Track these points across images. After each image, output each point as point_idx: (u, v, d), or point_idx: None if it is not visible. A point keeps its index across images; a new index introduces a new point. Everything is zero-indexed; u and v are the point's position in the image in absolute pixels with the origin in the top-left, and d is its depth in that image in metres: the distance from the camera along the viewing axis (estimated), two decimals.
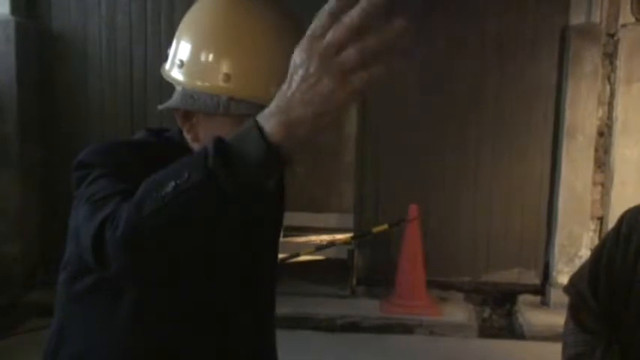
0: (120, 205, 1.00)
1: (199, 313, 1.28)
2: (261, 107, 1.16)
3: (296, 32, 1.21)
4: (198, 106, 1.23)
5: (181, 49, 1.26)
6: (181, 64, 1.25)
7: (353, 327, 5.63)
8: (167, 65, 1.29)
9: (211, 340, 1.30)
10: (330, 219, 6.96)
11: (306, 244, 6.45)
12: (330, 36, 0.86)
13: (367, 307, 5.86)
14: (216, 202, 0.91)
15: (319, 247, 6.25)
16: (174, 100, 1.27)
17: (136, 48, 6.36)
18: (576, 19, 5.95)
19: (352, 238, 6.30)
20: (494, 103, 6.18)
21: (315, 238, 7.15)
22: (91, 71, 6.47)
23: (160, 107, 1.30)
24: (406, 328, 5.60)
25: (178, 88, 1.27)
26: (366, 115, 6.32)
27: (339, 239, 6.46)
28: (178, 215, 0.93)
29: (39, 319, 5.38)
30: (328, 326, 5.57)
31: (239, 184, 0.90)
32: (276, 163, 0.90)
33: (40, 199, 6.29)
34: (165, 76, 1.30)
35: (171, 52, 1.29)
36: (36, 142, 6.29)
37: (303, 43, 0.88)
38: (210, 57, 1.21)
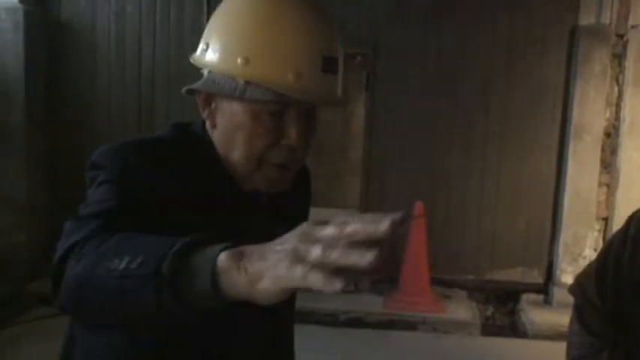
0: (90, 239, 1.01)
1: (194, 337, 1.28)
2: (276, 94, 1.16)
3: (317, 22, 1.22)
4: (217, 89, 1.23)
5: (208, 34, 1.27)
6: (206, 48, 1.26)
7: (356, 322, 5.64)
8: (198, 50, 1.30)
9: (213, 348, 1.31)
10: (335, 214, 6.95)
11: None
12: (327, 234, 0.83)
13: (371, 303, 5.87)
14: (150, 306, 0.91)
15: None
16: (197, 83, 1.27)
17: (145, 38, 6.36)
18: (586, 19, 5.94)
19: None
20: (502, 101, 6.17)
21: None
22: (99, 61, 6.48)
23: (183, 89, 1.31)
24: (409, 325, 5.61)
25: (205, 73, 1.27)
26: (373, 112, 6.32)
27: None
28: (114, 295, 0.94)
29: (43, 308, 5.41)
30: (331, 321, 5.59)
31: (180, 304, 0.90)
32: (217, 304, 0.89)
33: (47, 188, 6.31)
34: (193, 62, 1.31)
35: (202, 37, 1.30)
36: (43, 131, 6.30)
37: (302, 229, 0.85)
38: (232, 40, 1.21)
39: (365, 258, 0.79)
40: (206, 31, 1.29)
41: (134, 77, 6.44)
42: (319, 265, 0.79)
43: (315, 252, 0.80)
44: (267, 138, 1.22)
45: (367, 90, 6.35)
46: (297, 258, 0.81)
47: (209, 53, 1.25)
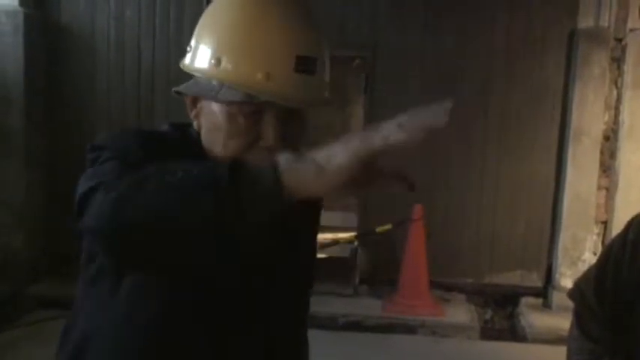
0: (122, 178, 1.02)
1: (198, 315, 1.26)
2: (246, 95, 1.16)
3: (291, 21, 1.21)
4: (197, 91, 1.24)
5: (194, 37, 1.28)
6: (190, 50, 1.27)
7: (355, 326, 5.64)
8: (185, 57, 1.31)
9: (210, 345, 1.28)
10: (334, 217, 6.94)
11: None
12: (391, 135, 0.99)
13: (370, 307, 5.87)
14: (212, 209, 0.94)
15: (322, 246, 6.25)
16: (183, 85, 1.28)
17: (144, 42, 6.37)
18: (585, 22, 5.94)
19: (356, 237, 6.30)
20: (501, 104, 6.18)
21: (318, 237, 7.14)
22: (98, 64, 6.48)
23: (173, 90, 1.32)
24: (408, 328, 5.60)
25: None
26: (372, 114, 6.32)
27: (343, 238, 6.46)
28: (173, 201, 0.96)
29: (42, 310, 5.40)
30: (330, 325, 5.57)
31: (241, 207, 0.93)
32: (282, 203, 0.93)
33: (45, 191, 6.30)
34: (183, 68, 1.32)
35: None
36: (42, 133, 6.30)
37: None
38: (206, 42, 1.22)
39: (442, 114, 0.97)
40: (193, 35, 1.30)
41: (133, 81, 6.43)
42: (396, 128, 0.96)
43: (388, 126, 0.96)
44: (243, 139, 1.21)
45: (366, 92, 6.35)
46: (370, 132, 0.94)
47: (191, 56, 1.26)
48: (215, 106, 1.22)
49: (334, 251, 6.31)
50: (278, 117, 1.21)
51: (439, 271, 6.03)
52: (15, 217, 6.02)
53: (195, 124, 1.30)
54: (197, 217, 0.95)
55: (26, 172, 6.11)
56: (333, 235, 6.50)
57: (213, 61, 1.19)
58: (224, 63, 1.18)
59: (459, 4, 6.16)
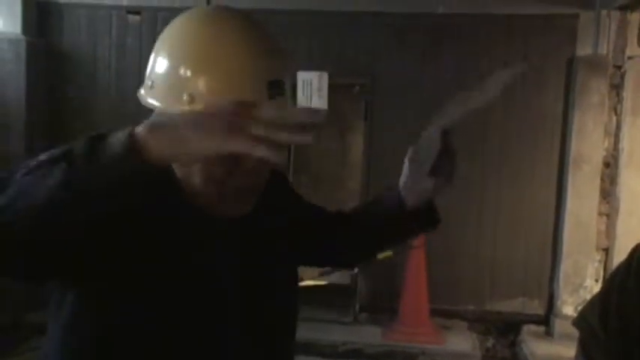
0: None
1: (135, 342, 1.22)
2: None
3: (260, 49, 1.21)
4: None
5: (151, 70, 1.30)
6: (152, 86, 1.27)
7: (355, 354, 5.60)
8: (144, 85, 1.30)
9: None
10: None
11: (309, 268, 6.42)
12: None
13: (370, 334, 5.84)
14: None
15: (322, 272, 6.23)
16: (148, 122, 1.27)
17: (145, 70, 6.39)
18: (583, 50, 5.99)
19: None
20: (501, 131, 6.20)
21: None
22: (99, 92, 6.52)
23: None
24: (409, 356, 5.56)
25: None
26: (371, 142, 6.34)
27: None
28: (31, 188, 0.99)
29: (41, 338, 5.36)
30: (331, 352, 5.55)
31: (89, 172, 0.96)
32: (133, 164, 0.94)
33: None
34: (139, 97, 1.32)
35: (147, 72, 1.30)
36: None
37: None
38: (175, 78, 1.23)
39: (306, 138, 0.91)
40: (149, 65, 1.33)
41: (134, 108, 6.43)
42: (262, 139, 0.89)
43: (258, 129, 0.89)
44: (224, 166, 1.20)
45: (366, 120, 6.37)
46: (235, 129, 0.91)
47: (154, 93, 1.29)
48: None
49: (334, 278, 6.29)
50: None
51: (440, 299, 6.00)
52: None
53: None
54: (51, 190, 0.95)
55: None
56: None
57: (186, 98, 1.18)
58: (198, 98, 1.17)
59: (457, 33, 6.21)
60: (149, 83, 1.28)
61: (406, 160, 1.61)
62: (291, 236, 1.50)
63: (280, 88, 1.21)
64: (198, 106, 1.16)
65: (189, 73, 1.20)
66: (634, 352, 1.60)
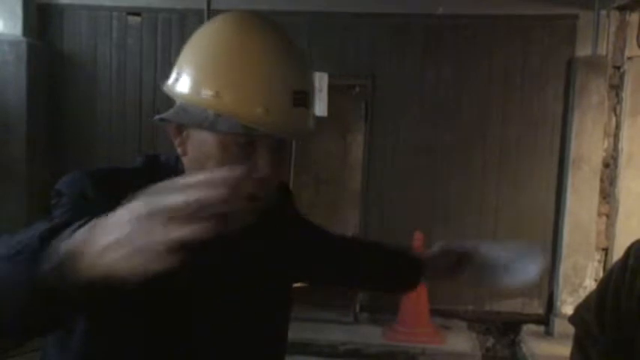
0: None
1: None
2: (244, 127, 1.19)
3: (287, 57, 1.24)
4: (187, 120, 1.25)
5: (181, 63, 1.29)
6: (178, 78, 1.27)
7: (355, 354, 5.61)
8: (170, 78, 1.31)
9: None
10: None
11: None
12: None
13: (370, 334, 5.84)
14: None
15: None
16: (168, 113, 1.28)
17: (145, 72, 6.42)
18: (582, 51, 6.00)
19: None
20: (500, 132, 6.21)
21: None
22: (100, 94, 6.53)
23: (154, 118, 1.32)
24: (409, 356, 5.57)
25: (177, 103, 1.29)
26: (372, 142, 6.35)
27: None
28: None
29: (42, 338, 5.37)
30: (331, 352, 5.55)
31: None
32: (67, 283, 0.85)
33: (47, 221, 6.29)
34: (165, 90, 1.32)
35: (175, 66, 1.31)
36: (43, 163, 6.32)
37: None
38: (203, 72, 1.23)
39: (205, 230, 0.78)
40: (179, 59, 1.30)
41: (135, 109, 6.48)
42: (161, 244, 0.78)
43: (159, 233, 0.77)
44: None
45: (366, 120, 6.39)
46: (140, 240, 0.78)
47: (180, 83, 1.26)
48: (207, 136, 1.23)
49: None
50: (269, 147, 1.24)
51: (440, 299, 6.01)
52: None
53: (179, 150, 1.31)
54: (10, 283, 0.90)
55: (27, 201, 6.12)
56: None
57: (211, 93, 1.20)
58: (223, 96, 1.19)
59: (457, 33, 6.22)
60: (175, 75, 1.28)
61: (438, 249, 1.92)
62: (306, 263, 1.59)
63: (304, 99, 1.24)
64: (222, 101, 1.19)
65: (216, 70, 1.22)
66: (629, 349, 1.61)
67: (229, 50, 1.23)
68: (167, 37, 6.39)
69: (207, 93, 1.21)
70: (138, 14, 6.47)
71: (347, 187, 7.50)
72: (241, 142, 1.22)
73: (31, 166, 6.16)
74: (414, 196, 6.27)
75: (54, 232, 0.91)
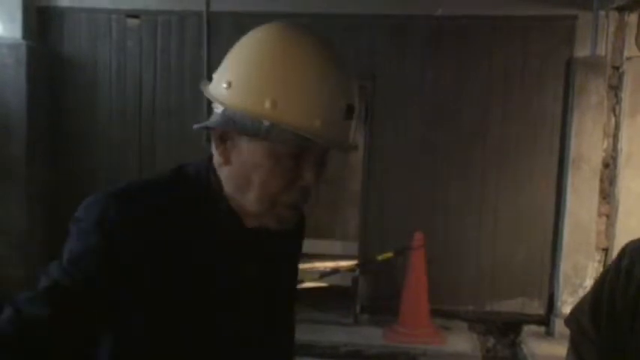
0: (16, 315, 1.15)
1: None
2: (301, 138, 1.19)
3: (340, 70, 1.25)
4: (237, 128, 1.24)
5: (231, 71, 1.26)
6: (229, 86, 1.25)
7: (356, 355, 5.61)
8: (212, 85, 1.29)
9: None
10: (335, 246, 6.94)
11: (310, 270, 6.44)
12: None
13: (371, 335, 5.84)
14: None
15: (323, 274, 6.24)
16: (213, 121, 1.27)
17: (145, 74, 6.42)
18: (582, 51, 6.01)
19: (357, 265, 6.30)
20: (500, 133, 6.21)
21: (319, 265, 7.14)
22: (100, 96, 6.53)
23: (195, 127, 1.32)
24: (409, 357, 5.57)
25: (218, 110, 1.27)
26: (372, 143, 6.35)
27: (344, 266, 6.45)
28: None
29: None
30: (332, 354, 5.55)
31: None
32: None
33: (46, 222, 6.31)
34: (208, 96, 1.30)
35: (218, 72, 1.29)
36: (43, 165, 6.33)
37: None
38: (260, 82, 1.22)
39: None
40: (226, 67, 1.28)
41: (135, 113, 6.48)
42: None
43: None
44: (285, 179, 1.24)
45: (366, 121, 6.39)
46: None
47: (231, 92, 1.24)
48: (258, 145, 1.23)
49: (335, 280, 6.31)
50: (316, 158, 1.26)
51: (440, 299, 6.02)
52: (15, 249, 6.02)
53: (219, 160, 1.30)
54: None
55: (27, 202, 6.12)
56: (334, 264, 6.50)
57: (268, 103, 1.19)
58: (281, 106, 1.19)
59: (456, 34, 6.22)
60: (225, 84, 1.25)
61: None
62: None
63: (352, 112, 1.25)
64: (280, 112, 1.19)
65: (272, 81, 1.21)
66: (624, 351, 1.61)
67: (285, 62, 1.22)
68: (166, 39, 6.39)
69: (263, 103, 1.20)
70: (137, 17, 6.47)
71: (347, 187, 7.50)
72: (294, 152, 1.23)
73: (31, 167, 6.17)
74: (414, 196, 6.27)
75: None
